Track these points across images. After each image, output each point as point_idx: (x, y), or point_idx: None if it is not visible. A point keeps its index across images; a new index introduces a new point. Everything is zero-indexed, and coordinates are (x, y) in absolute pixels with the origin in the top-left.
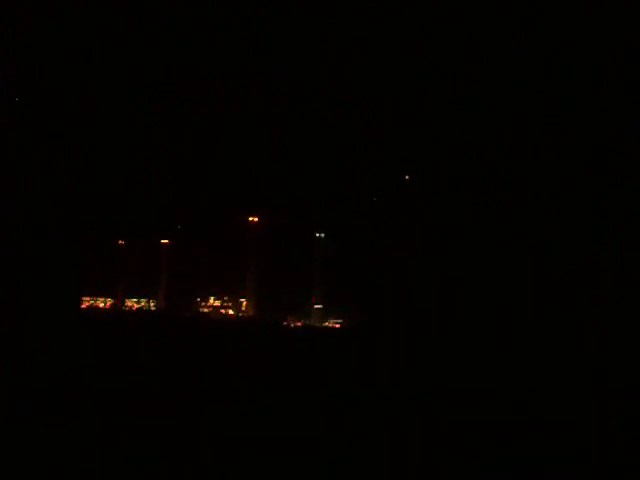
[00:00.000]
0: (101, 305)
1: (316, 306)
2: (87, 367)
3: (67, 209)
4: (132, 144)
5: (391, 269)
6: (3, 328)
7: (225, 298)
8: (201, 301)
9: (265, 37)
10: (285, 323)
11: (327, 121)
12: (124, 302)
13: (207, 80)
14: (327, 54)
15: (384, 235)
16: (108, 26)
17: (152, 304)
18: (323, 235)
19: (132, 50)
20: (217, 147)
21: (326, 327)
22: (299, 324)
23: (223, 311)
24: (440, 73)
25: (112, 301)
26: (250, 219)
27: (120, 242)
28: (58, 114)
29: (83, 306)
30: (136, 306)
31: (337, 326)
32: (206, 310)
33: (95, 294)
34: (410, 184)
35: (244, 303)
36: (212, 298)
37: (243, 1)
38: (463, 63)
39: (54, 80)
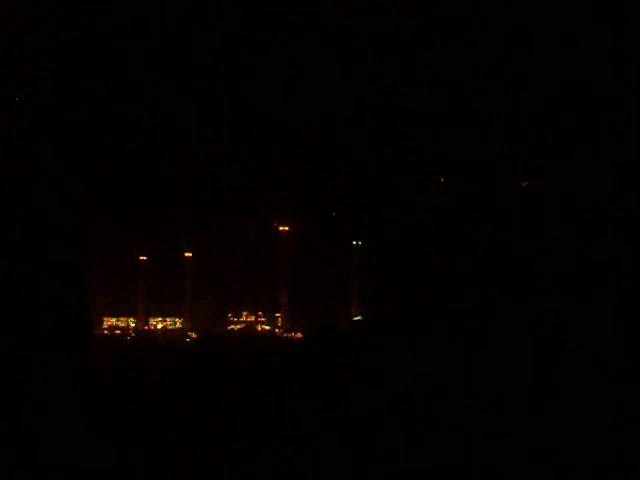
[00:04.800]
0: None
1: (355, 318)
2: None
3: (81, 219)
4: (154, 152)
5: (436, 277)
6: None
7: (259, 313)
8: (233, 317)
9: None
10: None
11: (362, 125)
12: (147, 321)
13: (239, 89)
14: (360, 60)
15: (427, 242)
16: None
17: (178, 322)
18: (360, 243)
19: (148, 56)
20: (244, 153)
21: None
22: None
23: (258, 327)
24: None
25: (134, 320)
26: (281, 228)
27: (141, 257)
28: (76, 133)
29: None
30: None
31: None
32: (240, 326)
33: (116, 313)
34: (448, 188)
35: (280, 317)
36: (245, 313)
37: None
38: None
39: (74, 85)
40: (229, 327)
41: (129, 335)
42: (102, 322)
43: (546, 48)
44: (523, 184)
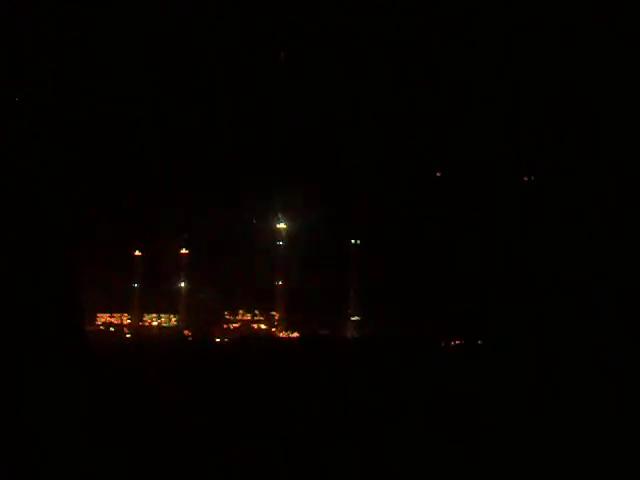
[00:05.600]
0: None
1: (352, 318)
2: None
3: (74, 216)
4: (151, 147)
5: (433, 275)
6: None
7: (256, 311)
8: (229, 315)
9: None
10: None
11: (362, 123)
12: (142, 318)
13: (238, 85)
14: (359, 59)
15: (424, 240)
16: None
17: (174, 319)
18: (359, 242)
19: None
20: (243, 150)
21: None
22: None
23: (255, 326)
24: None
25: (128, 317)
26: (278, 226)
27: (136, 253)
28: (73, 130)
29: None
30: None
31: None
32: (237, 325)
33: (110, 310)
34: (445, 185)
35: (276, 316)
36: (241, 311)
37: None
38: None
39: (67, 80)
40: (225, 326)
41: (129, 332)
42: (96, 318)
43: (546, 47)
44: (523, 181)
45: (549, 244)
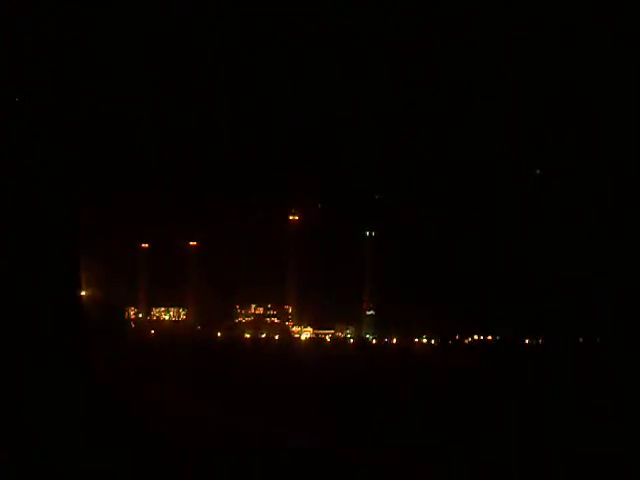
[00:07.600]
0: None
1: (368, 312)
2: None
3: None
4: (160, 139)
5: (454, 268)
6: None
7: (269, 305)
8: (241, 309)
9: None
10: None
11: (376, 117)
12: (150, 311)
13: (251, 77)
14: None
15: (444, 231)
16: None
17: (182, 313)
18: (374, 233)
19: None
20: (255, 141)
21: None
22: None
23: (268, 319)
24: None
25: (135, 310)
26: (290, 217)
27: (143, 245)
28: (79, 122)
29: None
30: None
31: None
32: (248, 319)
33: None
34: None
35: (289, 309)
36: (253, 305)
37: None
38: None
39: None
40: (237, 320)
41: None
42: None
43: (546, 47)
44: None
45: (550, 244)
